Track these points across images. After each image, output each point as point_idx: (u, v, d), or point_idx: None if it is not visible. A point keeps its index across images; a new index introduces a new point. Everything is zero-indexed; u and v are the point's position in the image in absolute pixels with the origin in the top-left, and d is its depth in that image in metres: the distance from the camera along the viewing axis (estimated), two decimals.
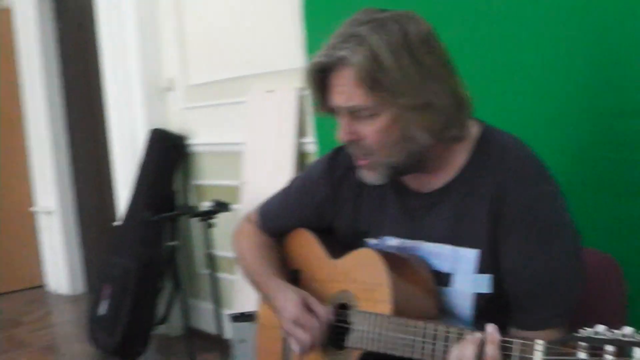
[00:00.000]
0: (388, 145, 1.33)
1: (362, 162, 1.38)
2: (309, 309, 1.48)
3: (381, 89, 1.27)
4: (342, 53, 1.28)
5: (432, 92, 1.28)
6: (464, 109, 1.34)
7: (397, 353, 1.30)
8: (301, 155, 3.06)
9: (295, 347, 1.48)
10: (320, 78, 1.35)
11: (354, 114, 1.33)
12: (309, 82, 1.36)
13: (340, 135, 1.36)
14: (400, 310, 1.33)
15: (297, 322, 1.47)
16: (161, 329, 3.82)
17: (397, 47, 1.26)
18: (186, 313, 3.34)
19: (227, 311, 3.15)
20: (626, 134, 1.69)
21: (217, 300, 3.14)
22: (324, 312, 1.48)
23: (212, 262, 3.13)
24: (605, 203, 1.73)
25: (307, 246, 1.62)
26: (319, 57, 1.32)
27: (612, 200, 1.72)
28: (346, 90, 1.30)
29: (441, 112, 1.30)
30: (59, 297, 5.02)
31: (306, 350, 1.47)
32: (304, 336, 1.46)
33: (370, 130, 1.32)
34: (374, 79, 1.26)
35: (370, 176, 1.39)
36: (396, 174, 1.38)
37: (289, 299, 1.50)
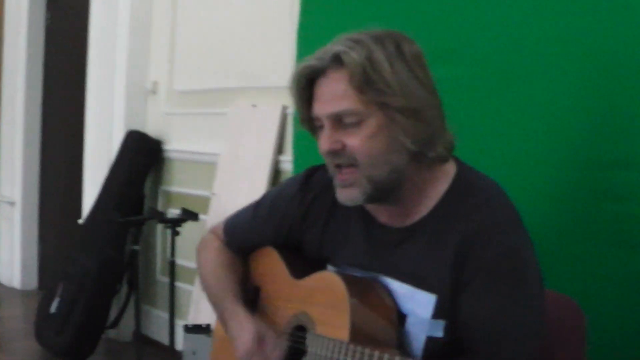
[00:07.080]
0: (374, 154, 1.29)
1: (342, 177, 1.33)
2: (263, 341, 1.46)
3: (373, 89, 1.26)
4: (338, 48, 1.28)
5: (422, 98, 1.28)
6: (448, 130, 1.33)
7: None
8: (277, 173, 3.03)
9: None
10: (307, 84, 1.34)
11: (339, 122, 1.30)
12: (294, 88, 1.35)
13: (323, 145, 1.31)
14: (358, 337, 1.30)
15: (249, 356, 1.45)
16: (111, 333, 3.73)
17: (391, 54, 1.27)
18: (138, 319, 3.27)
19: (182, 322, 3.09)
20: (610, 184, 1.67)
21: (173, 309, 3.08)
22: (276, 352, 1.45)
23: (172, 270, 3.07)
24: (581, 252, 1.71)
25: (270, 264, 1.58)
26: (310, 60, 1.32)
27: (589, 249, 1.70)
28: (336, 94, 1.29)
29: (429, 123, 1.29)
30: (11, 290, 4.89)
31: None
32: None
33: (356, 138, 1.29)
34: (367, 78, 1.26)
35: (348, 194, 1.34)
36: (375, 193, 1.33)
37: (245, 329, 1.47)
